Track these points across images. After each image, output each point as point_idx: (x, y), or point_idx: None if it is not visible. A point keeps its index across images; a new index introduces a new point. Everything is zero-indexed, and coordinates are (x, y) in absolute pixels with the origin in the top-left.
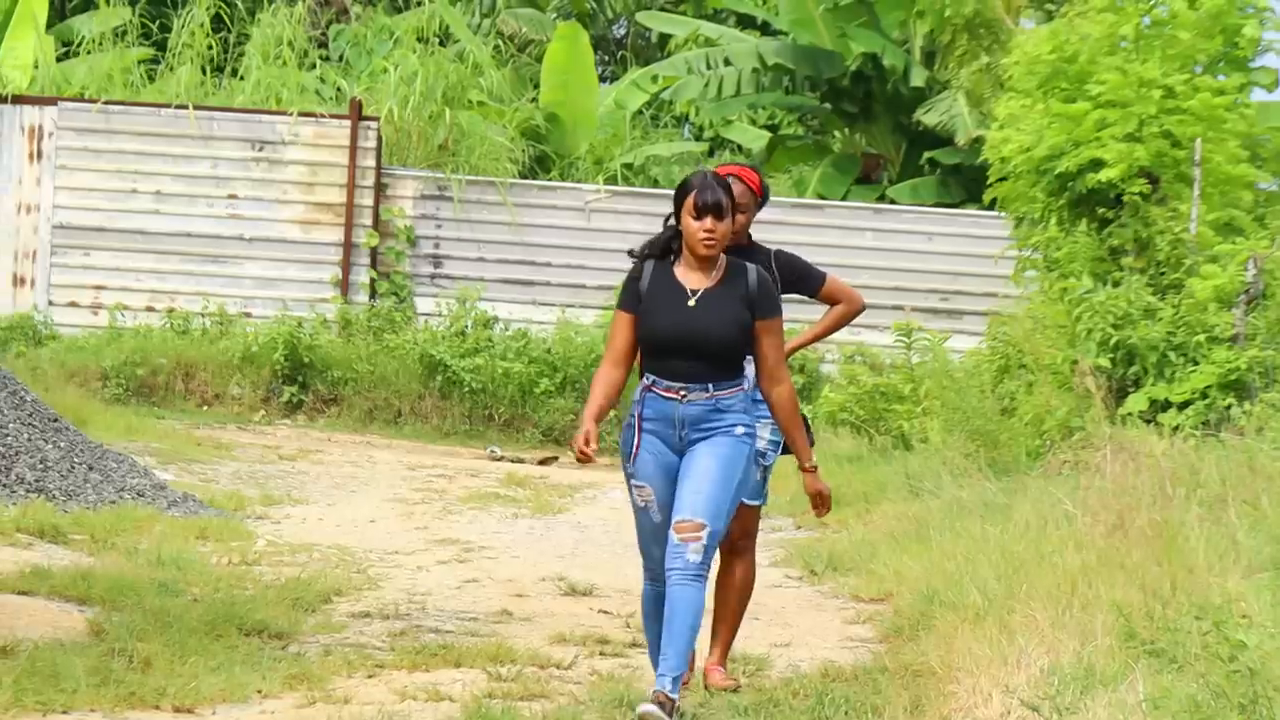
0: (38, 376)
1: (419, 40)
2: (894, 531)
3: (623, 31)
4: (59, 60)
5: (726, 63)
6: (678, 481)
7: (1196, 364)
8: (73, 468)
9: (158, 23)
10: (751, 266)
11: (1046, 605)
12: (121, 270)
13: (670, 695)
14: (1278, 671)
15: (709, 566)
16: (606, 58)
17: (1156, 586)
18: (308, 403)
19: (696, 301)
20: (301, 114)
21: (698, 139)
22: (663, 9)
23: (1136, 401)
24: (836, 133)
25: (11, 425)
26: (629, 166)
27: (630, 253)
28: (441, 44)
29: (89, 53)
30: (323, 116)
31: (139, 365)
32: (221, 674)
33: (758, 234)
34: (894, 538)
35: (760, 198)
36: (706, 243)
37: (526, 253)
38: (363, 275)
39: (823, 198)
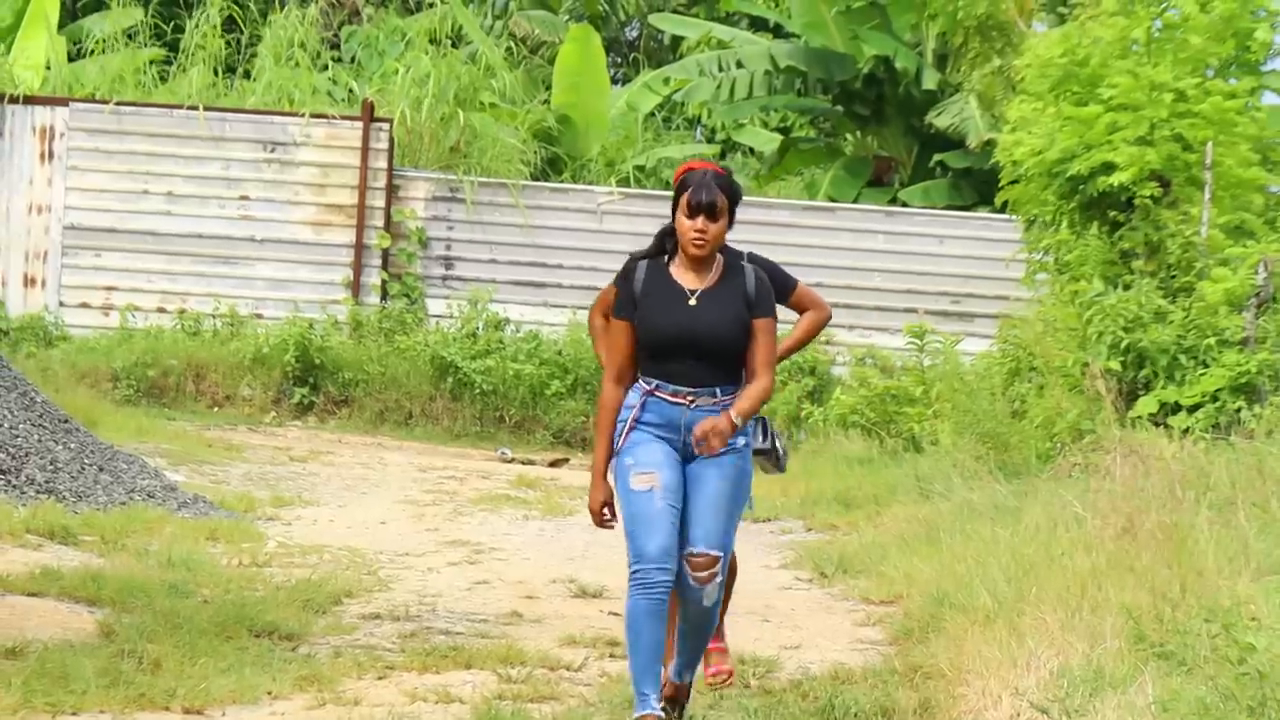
0: (48, 377)
1: (431, 42)
2: (904, 534)
3: (635, 34)
4: (70, 61)
5: (739, 65)
6: (689, 499)
7: (1207, 367)
8: (83, 469)
9: (170, 24)
10: (748, 265)
11: (1056, 608)
12: (132, 271)
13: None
14: None
15: (722, 591)
16: (619, 60)
17: (1166, 589)
18: (319, 404)
19: (697, 301)
20: (313, 115)
21: (709, 141)
22: (675, 11)
23: (1147, 404)
24: (848, 135)
25: (22, 426)
26: (641, 169)
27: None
28: (454, 45)
29: (101, 53)
30: (334, 118)
31: (150, 366)
32: (231, 675)
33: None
34: (904, 540)
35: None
36: (696, 242)
37: (538, 254)
38: (374, 277)
39: (834, 200)
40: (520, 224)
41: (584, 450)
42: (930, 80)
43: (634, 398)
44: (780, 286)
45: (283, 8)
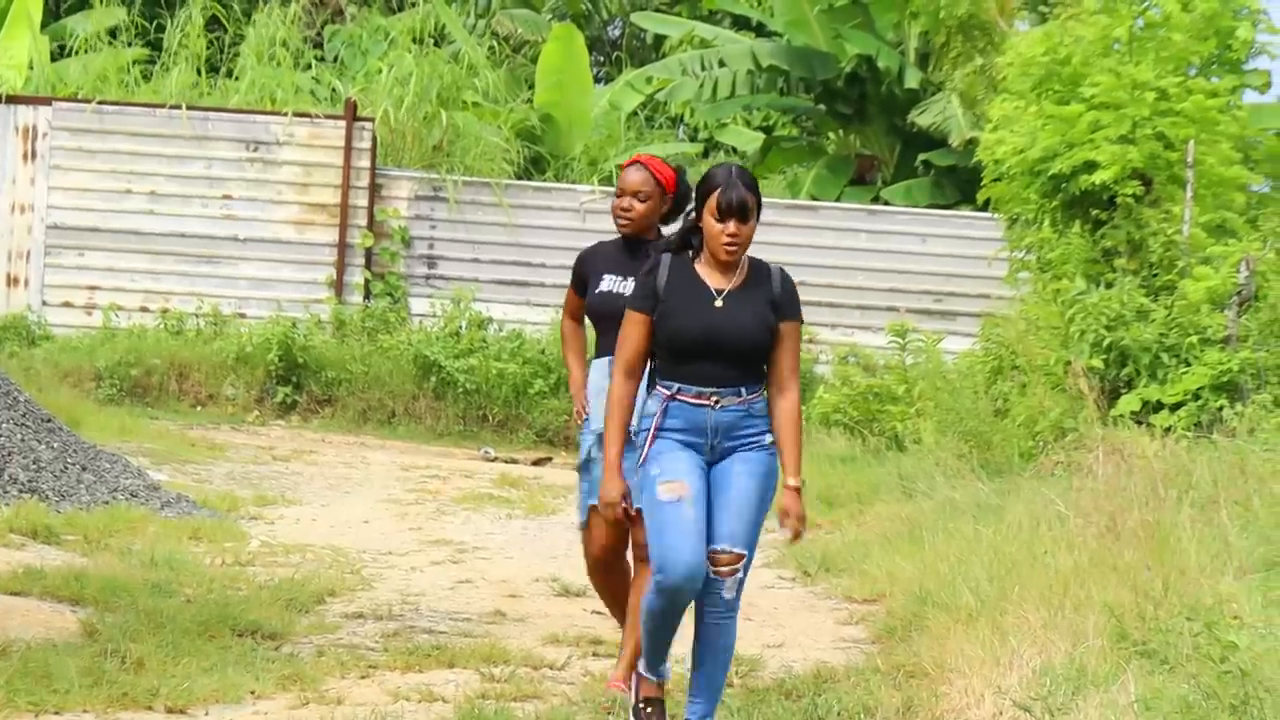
0: (31, 377)
1: (414, 41)
2: (887, 532)
3: (618, 32)
4: (53, 60)
5: (721, 64)
6: (714, 497)
7: (1189, 365)
8: (66, 468)
9: (153, 23)
10: (775, 267)
11: (1039, 606)
12: (115, 270)
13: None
14: (1269, 672)
15: (740, 598)
16: (601, 59)
17: (1148, 587)
18: (302, 403)
19: (723, 302)
20: (296, 114)
21: (692, 140)
22: (658, 10)
23: (1129, 402)
24: (831, 134)
25: (5, 426)
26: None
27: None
28: (436, 45)
29: (84, 52)
30: (317, 117)
31: (133, 366)
32: (214, 675)
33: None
34: (887, 539)
35: (670, 194)
36: (729, 248)
37: (521, 254)
38: (357, 276)
39: (817, 199)
40: (503, 223)
41: (567, 449)
42: (912, 79)
43: (654, 405)
44: None
45: (265, 7)
